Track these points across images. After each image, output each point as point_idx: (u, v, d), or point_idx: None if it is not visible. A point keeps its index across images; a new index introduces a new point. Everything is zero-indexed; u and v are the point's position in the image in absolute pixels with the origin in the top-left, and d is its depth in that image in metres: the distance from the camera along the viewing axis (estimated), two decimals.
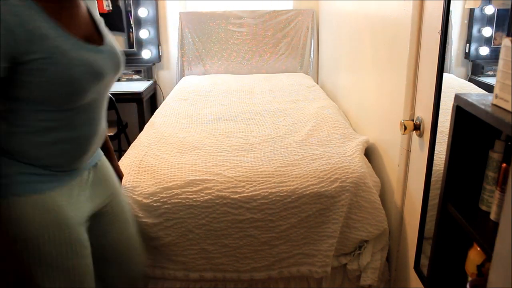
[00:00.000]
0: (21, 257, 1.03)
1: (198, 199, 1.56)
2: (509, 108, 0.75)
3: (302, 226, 1.59)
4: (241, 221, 1.56)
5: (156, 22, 3.46)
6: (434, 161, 1.28)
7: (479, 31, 1.38)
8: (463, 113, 0.91)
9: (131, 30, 3.49)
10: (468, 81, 1.43)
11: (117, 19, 3.53)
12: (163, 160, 1.76)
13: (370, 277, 1.64)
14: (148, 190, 1.57)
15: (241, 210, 1.55)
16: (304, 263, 1.63)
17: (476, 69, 1.41)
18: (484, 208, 0.93)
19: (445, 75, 1.23)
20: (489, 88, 1.22)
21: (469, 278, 0.96)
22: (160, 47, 3.53)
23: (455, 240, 1.04)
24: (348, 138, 1.96)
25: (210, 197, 1.56)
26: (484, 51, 1.41)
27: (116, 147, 3.39)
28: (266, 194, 1.56)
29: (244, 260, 1.61)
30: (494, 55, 1.36)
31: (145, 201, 1.55)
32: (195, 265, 1.60)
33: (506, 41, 0.77)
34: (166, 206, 1.55)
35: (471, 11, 1.35)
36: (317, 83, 3.32)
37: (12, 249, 1.00)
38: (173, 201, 1.55)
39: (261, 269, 1.62)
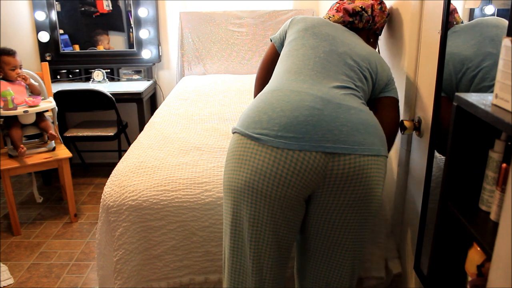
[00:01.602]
0: None
1: (199, 202, 1.56)
2: (509, 108, 0.75)
3: None
4: None
5: (156, 22, 3.47)
6: (434, 161, 1.28)
7: None
8: (463, 113, 0.91)
9: (131, 30, 3.49)
10: None
11: (117, 19, 3.53)
12: (164, 161, 1.76)
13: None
14: (148, 193, 1.57)
15: None
16: None
17: None
18: (484, 208, 0.93)
19: None
20: None
21: (469, 278, 0.96)
22: (160, 47, 3.53)
23: (455, 240, 1.04)
24: None
25: (211, 199, 1.56)
26: None
27: (116, 147, 3.39)
28: None
29: None
30: None
31: (145, 204, 1.55)
32: (200, 268, 1.60)
33: (506, 41, 0.77)
34: (167, 208, 1.55)
35: (471, 11, 1.35)
36: None
37: None
38: (174, 204, 1.55)
39: None
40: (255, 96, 1.51)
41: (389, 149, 1.31)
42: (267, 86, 1.28)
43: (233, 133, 1.19)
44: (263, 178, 1.09)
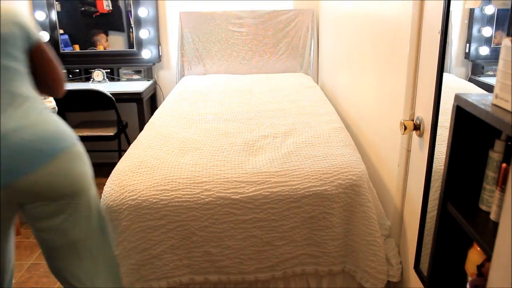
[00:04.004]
0: None
1: (199, 201, 1.56)
2: (509, 108, 0.75)
3: (305, 227, 1.59)
4: (244, 221, 1.56)
5: (156, 22, 3.47)
6: (434, 161, 1.28)
7: (479, 31, 1.38)
8: (463, 113, 0.91)
9: (131, 30, 3.49)
10: (468, 81, 1.43)
11: (117, 19, 3.53)
12: (163, 160, 1.75)
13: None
14: (148, 192, 1.57)
15: (243, 210, 1.55)
16: (309, 263, 1.64)
17: (476, 69, 1.41)
18: (484, 208, 0.93)
19: (445, 75, 1.23)
20: (489, 88, 1.22)
21: (469, 278, 0.96)
22: (160, 47, 3.53)
23: (455, 240, 1.03)
24: (348, 140, 1.97)
25: (210, 199, 1.56)
26: (484, 51, 1.41)
27: (116, 147, 3.39)
28: (267, 193, 1.56)
29: (248, 261, 1.61)
30: (494, 55, 1.36)
31: (145, 203, 1.55)
32: (199, 268, 1.60)
33: (506, 41, 0.77)
34: (167, 208, 1.55)
35: (471, 11, 1.35)
36: (317, 83, 3.32)
37: None
38: (173, 203, 1.55)
39: (265, 270, 1.63)
40: None
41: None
42: None
43: None
44: None
